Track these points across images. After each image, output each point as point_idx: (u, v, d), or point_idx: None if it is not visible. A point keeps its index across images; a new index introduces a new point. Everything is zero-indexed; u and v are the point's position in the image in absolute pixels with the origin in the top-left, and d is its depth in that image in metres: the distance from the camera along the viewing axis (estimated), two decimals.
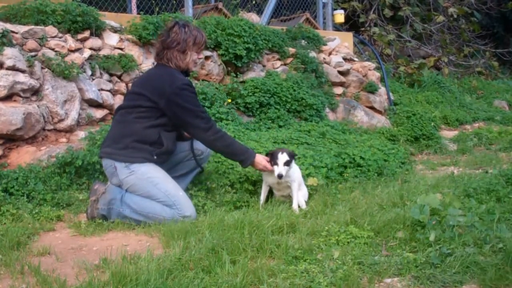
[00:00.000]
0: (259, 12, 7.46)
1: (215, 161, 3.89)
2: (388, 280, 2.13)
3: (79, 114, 4.33)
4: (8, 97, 3.92)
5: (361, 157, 4.32)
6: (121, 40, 4.98)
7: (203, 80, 5.43)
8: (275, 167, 3.20)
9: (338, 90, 6.69)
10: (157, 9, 5.84)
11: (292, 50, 6.34)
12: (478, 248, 2.34)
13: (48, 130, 4.12)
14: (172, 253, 2.38)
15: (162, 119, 3.13)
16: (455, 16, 10.12)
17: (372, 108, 6.83)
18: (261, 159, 3.26)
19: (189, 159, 3.40)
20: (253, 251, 2.42)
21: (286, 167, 3.21)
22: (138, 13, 5.60)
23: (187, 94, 3.12)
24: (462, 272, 2.15)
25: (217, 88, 5.34)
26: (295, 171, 3.36)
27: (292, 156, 3.25)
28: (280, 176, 3.18)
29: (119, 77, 4.85)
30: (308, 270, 2.20)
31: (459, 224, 2.55)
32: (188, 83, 3.19)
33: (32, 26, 4.34)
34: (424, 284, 2.09)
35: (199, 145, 3.37)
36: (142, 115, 3.11)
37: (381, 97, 7.03)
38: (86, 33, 4.70)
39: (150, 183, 3.05)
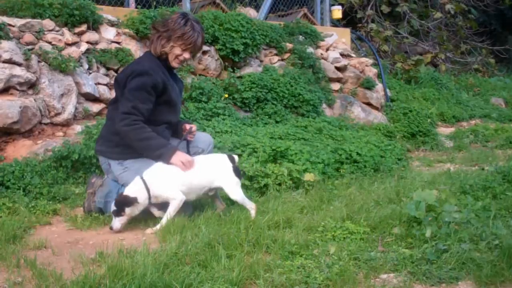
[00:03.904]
0: (257, 7, 7.44)
1: None
2: (384, 276, 2.14)
3: (76, 108, 4.31)
4: (4, 90, 3.90)
5: (357, 153, 4.33)
6: (118, 34, 4.95)
7: (200, 75, 5.41)
8: None
9: (335, 86, 6.69)
10: (154, 3, 5.81)
11: (289, 45, 6.33)
12: (474, 244, 2.35)
13: (45, 124, 4.10)
14: (169, 247, 2.38)
15: None
16: (452, 13, 10.13)
17: (369, 104, 6.84)
18: (179, 156, 2.94)
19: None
20: (249, 246, 2.43)
21: (116, 218, 2.84)
22: (136, 7, 5.57)
23: (136, 79, 2.96)
24: (458, 268, 2.16)
25: (214, 83, 5.33)
26: (161, 187, 2.90)
27: (122, 204, 2.83)
28: (111, 228, 2.85)
29: (116, 71, 4.82)
30: (304, 265, 2.20)
31: (455, 221, 2.57)
32: (144, 70, 2.97)
33: (29, 19, 4.32)
34: (420, 280, 2.10)
35: (199, 144, 3.33)
36: None
37: (378, 93, 7.03)
38: (83, 27, 4.68)
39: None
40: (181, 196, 2.91)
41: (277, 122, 5.38)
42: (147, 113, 2.98)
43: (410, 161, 5.07)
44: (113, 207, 2.88)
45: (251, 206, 2.98)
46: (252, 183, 3.65)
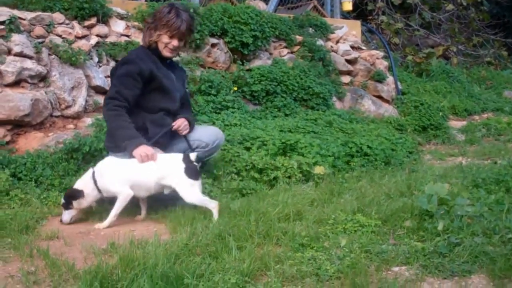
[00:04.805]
0: None
1: (221, 149, 3.88)
2: (396, 269, 2.12)
3: (86, 101, 4.33)
4: (16, 83, 3.93)
5: (368, 146, 4.30)
6: (127, 27, 4.96)
7: (209, 67, 5.40)
8: None
9: (346, 78, 6.64)
10: None
11: (299, 38, 6.29)
12: (487, 238, 2.32)
13: (56, 117, 4.13)
14: (179, 238, 2.39)
15: (140, 101, 3.10)
16: (464, 4, 9.99)
17: (379, 97, 6.79)
18: (142, 150, 2.89)
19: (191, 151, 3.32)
20: (260, 238, 2.42)
21: (66, 211, 2.89)
22: (145, 0, 5.56)
23: (123, 66, 3.08)
24: (471, 262, 2.13)
25: (223, 76, 5.32)
26: (108, 181, 2.88)
27: (69, 197, 2.88)
28: (61, 221, 2.89)
29: None
30: (315, 257, 2.20)
31: (468, 214, 2.54)
32: (131, 59, 3.11)
33: (40, 13, 4.33)
34: (432, 273, 2.08)
35: (204, 137, 3.31)
36: None
37: (388, 86, 6.97)
38: (93, 20, 4.68)
39: None
40: (128, 191, 2.85)
41: (286, 115, 5.36)
42: (133, 99, 3.03)
43: (422, 155, 5.04)
44: (62, 200, 2.92)
45: (212, 206, 2.81)
46: (262, 176, 3.65)
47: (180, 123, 3.20)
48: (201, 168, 3.45)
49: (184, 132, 3.22)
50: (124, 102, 3.00)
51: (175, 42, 3.16)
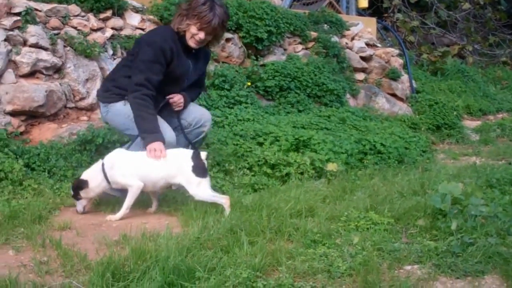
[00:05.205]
0: None
1: (234, 143, 3.88)
2: (408, 267, 2.11)
3: None
4: (31, 74, 3.96)
5: (381, 144, 4.27)
6: (142, 20, 4.97)
7: (223, 62, 5.40)
8: None
9: (360, 76, 6.60)
10: None
11: (314, 34, 6.25)
12: (501, 239, 2.30)
13: (70, 108, 4.15)
14: (191, 232, 2.40)
15: None
16: (481, 3, 9.84)
17: (393, 95, 6.73)
18: (154, 145, 2.86)
19: (180, 134, 3.22)
20: (272, 233, 2.42)
21: (77, 201, 2.92)
22: None
23: (148, 49, 3.01)
24: (484, 262, 2.11)
25: (237, 71, 5.31)
26: (117, 173, 2.87)
27: (75, 187, 2.90)
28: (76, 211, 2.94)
29: None
30: (327, 254, 2.19)
31: (482, 214, 2.51)
32: (155, 40, 3.04)
33: (56, 5, 4.35)
34: (445, 272, 2.05)
35: (188, 117, 3.24)
36: (126, 64, 3.16)
37: (403, 85, 6.91)
38: (108, 13, 4.70)
39: (123, 116, 3.06)
40: (138, 183, 2.84)
41: (299, 111, 5.34)
42: (157, 84, 3.04)
43: (435, 154, 5.00)
44: (71, 191, 2.94)
45: (223, 201, 2.79)
46: (274, 172, 3.64)
47: (177, 99, 3.18)
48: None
49: (177, 108, 3.20)
50: (152, 90, 3.00)
51: (202, 35, 3.06)
